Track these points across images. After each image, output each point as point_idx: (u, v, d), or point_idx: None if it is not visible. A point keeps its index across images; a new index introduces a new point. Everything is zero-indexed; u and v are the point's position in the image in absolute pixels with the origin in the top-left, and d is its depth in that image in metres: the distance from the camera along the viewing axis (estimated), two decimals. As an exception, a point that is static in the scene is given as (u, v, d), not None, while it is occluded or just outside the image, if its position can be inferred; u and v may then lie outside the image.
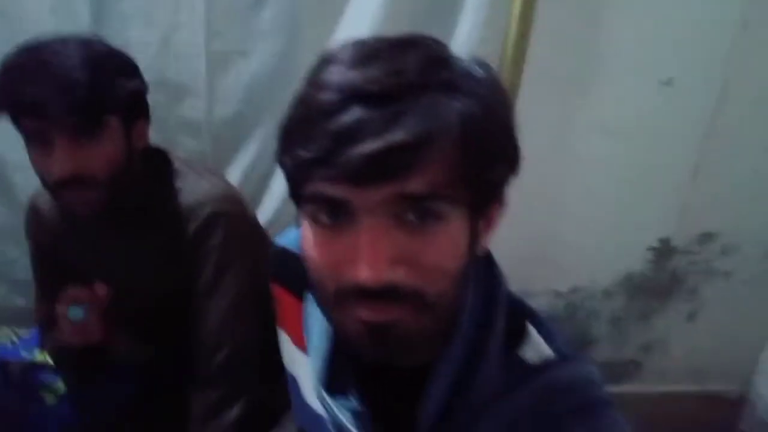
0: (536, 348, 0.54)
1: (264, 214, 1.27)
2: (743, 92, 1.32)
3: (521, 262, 1.35)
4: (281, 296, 0.68)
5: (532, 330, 0.55)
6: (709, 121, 1.34)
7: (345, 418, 0.54)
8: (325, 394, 0.55)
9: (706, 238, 1.49)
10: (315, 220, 0.47)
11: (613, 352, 1.62)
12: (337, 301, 0.48)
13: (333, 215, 0.46)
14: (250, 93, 1.22)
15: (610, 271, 1.53)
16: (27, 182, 1.23)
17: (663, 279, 1.54)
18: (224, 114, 1.24)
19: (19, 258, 1.34)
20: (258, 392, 0.95)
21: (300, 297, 0.63)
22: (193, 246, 0.92)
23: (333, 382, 0.56)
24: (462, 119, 0.44)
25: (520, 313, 0.56)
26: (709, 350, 1.62)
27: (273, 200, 1.29)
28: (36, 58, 0.80)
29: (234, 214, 0.95)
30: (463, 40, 1.16)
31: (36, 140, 0.82)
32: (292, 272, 0.57)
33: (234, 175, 1.27)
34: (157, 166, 0.97)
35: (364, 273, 0.44)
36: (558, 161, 1.35)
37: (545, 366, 0.52)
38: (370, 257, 0.44)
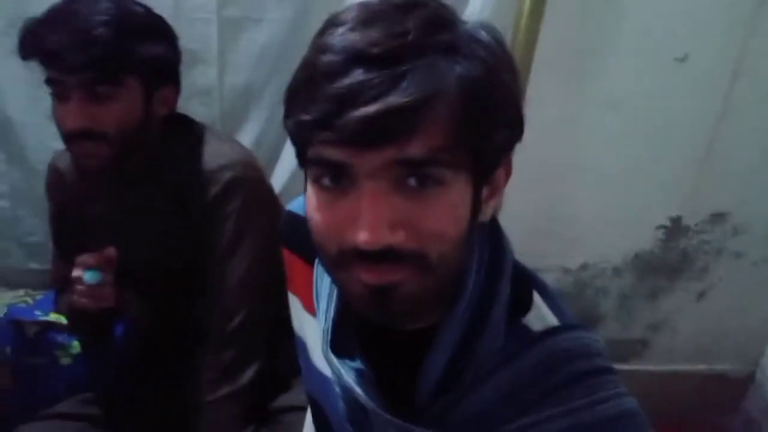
0: (541, 317, 0.54)
1: (275, 183, 1.28)
2: (758, 70, 1.30)
3: (531, 237, 1.36)
4: (292, 261, 0.68)
5: (538, 299, 0.55)
6: (723, 99, 1.32)
7: (349, 378, 0.54)
8: (331, 355, 0.56)
9: (718, 217, 1.48)
10: (318, 183, 0.48)
11: (620, 330, 1.62)
12: (340, 264, 0.48)
13: (335, 178, 0.46)
14: (262, 60, 1.22)
15: (620, 249, 1.52)
16: (40, 145, 1.26)
17: (673, 258, 1.53)
18: (235, 81, 1.24)
19: (33, 221, 1.36)
20: (271, 356, 0.97)
21: (310, 262, 0.64)
22: (212, 210, 0.93)
23: (339, 344, 0.57)
24: (462, 82, 0.44)
25: (526, 283, 0.56)
26: (718, 330, 1.62)
27: (283, 170, 1.30)
28: (67, 10, 0.83)
29: (253, 180, 0.96)
30: (475, 16, 1.15)
31: (55, 90, 0.85)
32: (302, 237, 0.56)
33: (244, 143, 1.27)
34: (179, 130, 0.98)
35: (363, 236, 0.44)
36: (570, 137, 1.34)
37: (547, 333, 0.53)
38: (370, 221, 0.44)
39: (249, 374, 0.94)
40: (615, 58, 1.27)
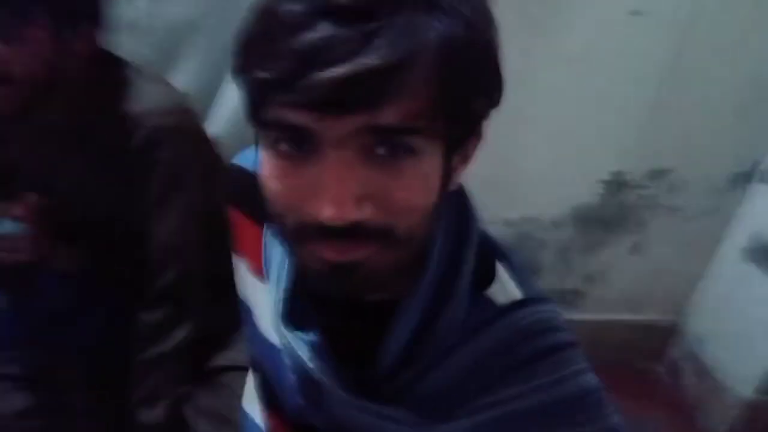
0: (505, 290, 0.52)
1: (211, 128, 1.21)
2: (709, 27, 1.30)
3: (474, 188, 1.34)
4: (239, 221, 0.63)
5: (502, 271, 0.53)
6: (673, 55, 1.32)
7: (302, 352, 0.51)
8: (282, 327, 0.53)
9: (657, 173, 1.51)
10: (275, 149, 0.43)
11: (557, 281, 1.66)
12: (298, 237, 0.44)
13: (295, 145, 0.41)
14: None
15: (561, 202, 1.54)
16: None
17: (611, 212, 1.56)
18: (168, 14, 1.14)
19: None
20: (205, 315, 0.93)
21: (260, 222, 0.59)
22: (138, 159, 0.86)
23: (292, 315, 0.53)
24: (442, 41, 0.39)
25: (491, 252, 0.53)
26: (648, 282, 1.68)
27: (221, 114, 1.23)
28: None
29: (185, 127, 0.89)
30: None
31: None
32: (251, 196, 0.52)
33: (178, 83, 1.19)
34: (105, 71, 0.89)
35: (327, 211, 0.40)
36: (517, 89, 1.31)
37: (511, 307, 0.50)
38: (335, 194, 0.40)
39: (182, 333, 0.90)
40: (569, 11, 1.24)
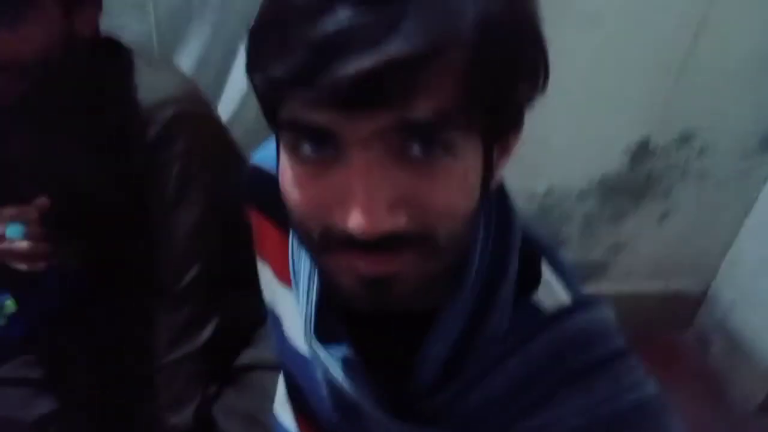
0: (551, 293, 0.47)
1: (221, 112, 1.15)
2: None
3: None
4: (260, 223, 0.59)
5: (547, 272, 0.48)
6: (699, 18, 1.26)
7: (333, 368, 0.47)
8: (314, 342, 0.49)
9: (685, 138, 1.45)
10: (295, 152, 0.38)
11: (583, 252, 1.62)
12: (324, 248, 0.39)
13: (317, 147, 0.37)
14: None
15: (586, 173, 1.49)
16: None
17: (638, 181, 1.51)
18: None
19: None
20: (229, 311, 0.89)
21: (283, 226, 0.55)
22: (152, 153, 0.81)
23: (322, 329, 0.49)
24: (479, 21, 0.34)
25: (535, 252, 0.48)
26: (676, 250, 1.63)
27: (231, 96, 1.18)
28: None
29: (198, 116, 0.84)
30: None
31: None
32: (272, 197, 0.47)
33: (184, 65, 1.14)
34: (106, 57, 0.84)
35: (356, 221, 0.35)
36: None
37: (561, 314, 0.46)
38: (365, 202, 0.35)
39: (208, 332, 0.86)
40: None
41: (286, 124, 0.37)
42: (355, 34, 0.32)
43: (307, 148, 0.37)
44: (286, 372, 0.63)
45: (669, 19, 1.26)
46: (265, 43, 0.36)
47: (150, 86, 0.82)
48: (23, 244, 0.78)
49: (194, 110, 0.84)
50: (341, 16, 0.33)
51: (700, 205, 1.55)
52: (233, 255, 0.76)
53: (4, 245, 0.78)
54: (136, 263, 0.89)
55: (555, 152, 1.41)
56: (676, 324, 1.73)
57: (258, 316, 0.69)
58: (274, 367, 0.70)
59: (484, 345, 0.44)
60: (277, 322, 0.60)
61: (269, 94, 0.38)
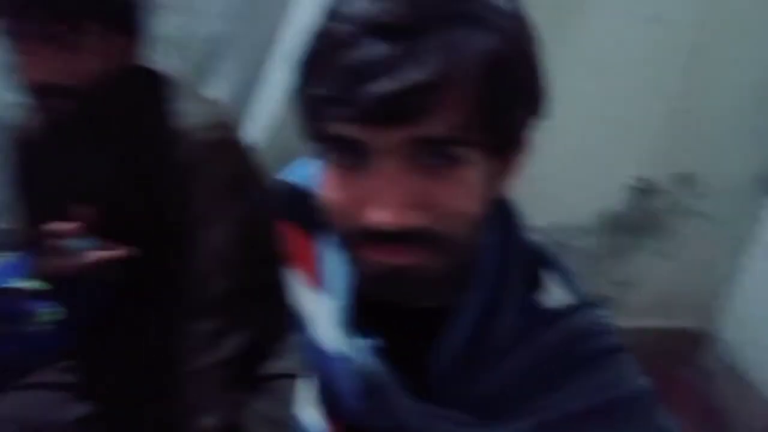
0: (555, 294, 0.53)
1: (249, 138, 1.24)
2: (726, 30, 1.30)
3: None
4: (291, 234, 0.65)
5: (550, 275, 0.54)
6: (691, 60, 1.32)
7: (364, 357, 0.54)
8: (347, 333, 0.55)
9: (685, 178, 1.50)
10: (331, 161, 0.46)
11: (586, 288, 1.64)
12: (354, 242, 0.47)
13: (349, 156, 0.45)
14: (230, 10, 1.17)
15: (587, 208, 1.54)
16: None
17: (639, 217, 1.55)
18: (201, 30, 1.19)
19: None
20: (255, 324, 0.94)
21: (312, 235, 0.62)
22: (186, 175, 0.89)
23: (354, 322, 0.56)
24: (483, 56, 0.42)
25: (539, 258, 0.55)
26: (678, 288, 1.67)
27: (260, 123, 1.26)
28: None
29: (231, 142, 0.92)
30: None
31: (15, 43, 0.80)
32: (303, 209, 0.57)
33: (214, 94, 1.22)
34: (147, 85, 0.93)
35: (380, 216, 0.43)
36: (543, 95, 1.32)
37: (564, 311, 0.52)
38: (387, 200, 0.43)
39: (233, 343, 0.91)
40: (586, 16, 1.26)
41: (325, 137, 0.45)
42: (381, 62, 0.40)
43: (341, 157, 0.45)
44: (314, 372, 0.68)
45: (661, 63, 1.33)
46: (310, 68, 0.45)
47: (186, 113, 0.90)
48: (95, 254, 0.86)
49: (227, 136, 0.92)
50: (371, 48, 0.41)
51: (699, 243, 1.59)
52: (259, 269, 0.82)
53: (76, 257, 0.85)
54: (168, 276, 0.95)
55: (557, 188, 1.46)
56: (679, 360, 1.75)
57: (283, 329, 0.74)
58: (300, 376, 0.74)
59: (493, 339, 0.51)
60: (304, 324, 0.66)
61: (312, 111, 0.46)
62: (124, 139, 0.91)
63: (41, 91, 0.81)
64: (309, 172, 0.60)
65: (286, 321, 0.69)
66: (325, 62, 0.43)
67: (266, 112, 1.24)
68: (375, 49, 0.41)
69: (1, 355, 1.04)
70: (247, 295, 0.93)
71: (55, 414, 0.95)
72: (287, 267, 0.68)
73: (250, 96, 1.25)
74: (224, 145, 0.90)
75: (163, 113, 0.90)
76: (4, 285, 1.05)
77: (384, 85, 0.40)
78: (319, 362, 0.64)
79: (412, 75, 0.40)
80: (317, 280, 0.62)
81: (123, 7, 0.85)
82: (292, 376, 0.84)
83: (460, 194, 0.45)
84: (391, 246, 0.45)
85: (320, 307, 0.61)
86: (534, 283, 0.53)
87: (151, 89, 0.93)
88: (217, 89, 1.25)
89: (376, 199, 0.44)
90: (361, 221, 0.45)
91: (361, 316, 0.55)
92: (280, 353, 0.98)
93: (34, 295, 1.04)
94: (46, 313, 0.98)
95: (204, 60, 1.23)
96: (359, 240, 0.46)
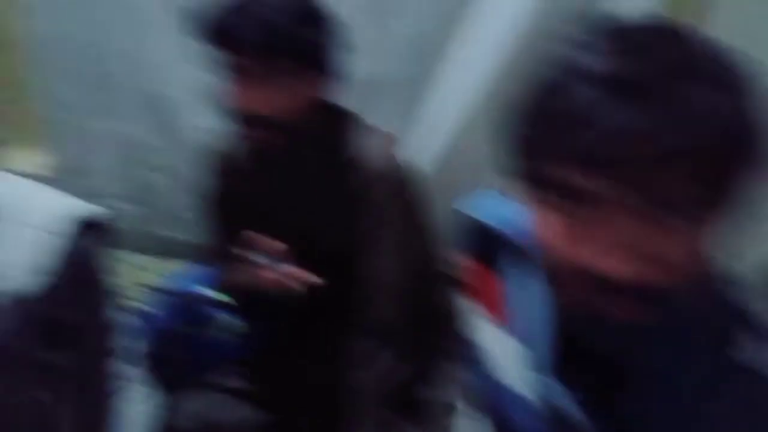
0: (748, 348, 0.51)
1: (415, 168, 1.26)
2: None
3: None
4: (475, 270, 0.66)
5: (745, 329, 0.51)
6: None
7: (566, 405, 0.53)
8: (549, 382, 0.55)
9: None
10: (547, 204, 0.46)
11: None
12: (571, 285, 0.46)
13: (567, 200, 0.44)
14: (399, 51, 1.22)
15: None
16: (188, 123, 1.34)
17: None
18: (362, 70, 1.24)
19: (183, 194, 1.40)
20: (412, 348, 0.98)
21: (497, 271, 0.62)
22: (371, 203, 0.94)
23: (557, 368, 0.55)
24: (723, 125, 0.41)
25: (733, 311, 0.52)
26: None
27: (426, 157, 1.26)
28: None
29: (412, 180, 0.97)
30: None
31: (229, 73, 0.87)
32: (488, 246, 0.57)
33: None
34: (338, 120, 0.98)
35: (610, 265, 0.42)
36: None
37: (757, 367, 0.49)
38: (617, 249, 0.42)
39: (388, 362, 0.95)
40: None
41: (541, 180, 0.45)
42: (629, 129, 0.40)
43: (558, 200, 0.45)
44: (487, 409, 0.67)
45: None
46: (532, 125, 0.46)
47: (372, 150, 0.96)
48: (290, 269, 0.91)
49: (410, 174, 0.97)
50: (619, 113, 0.40)
51: None
52: (428, 298, 0.87)
53: (264, 272, 0.92)
54: (344, 301, 0.99)
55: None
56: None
57: (446, 358, 0.76)
58: (450, 405, 0.77)
59: (685, 391, 0.49)
60: (482, 361, 0.65)
61: (528, 155, 0.46)
62: (316, 171, 0.97)
63: (246, 120, 0.88)
64: (501, 211, 0.61)
65: (451, 351, 0.70)
66: (569, 119, 0.42)
67: (430, 147, 1.26)
68: (623, 114, 0.40)
69: (180, 355, 1.10)
70: (413, 322, 0.96)
71: (229, 415, 1.04)
72: (467, 300, 0.68)
73: (405, 132, 1.26)
74: (408, 182, 0.96)
75: (345, 144, 0.96)
76: (191, 289, 1.11)
77: (632, 149, 0.39)
78: (494, 399, 0.64)
79: (651, 147, 0.39)
80: (502, 318, 0.61)
81: (315, 47, 0.89)
82: (450, 406, 0.85)
83: (680, 246, 0.44)
84: (618, 297, 0.44)
85: (504, 345, 0.61)
86: (728, 337, 0.51)
87: (338, 125, 0.98)
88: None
89: (600, 245, 0.43)
90: (587, 266, 0.43)
91: (565, 362, 0.54)
92: (440, 382, 1.00)
93: (218, 304, 1.08)
94: (227, 323, 1.04)
95: (364, 98, 1.28)
96: (580, 283, 0.45)
